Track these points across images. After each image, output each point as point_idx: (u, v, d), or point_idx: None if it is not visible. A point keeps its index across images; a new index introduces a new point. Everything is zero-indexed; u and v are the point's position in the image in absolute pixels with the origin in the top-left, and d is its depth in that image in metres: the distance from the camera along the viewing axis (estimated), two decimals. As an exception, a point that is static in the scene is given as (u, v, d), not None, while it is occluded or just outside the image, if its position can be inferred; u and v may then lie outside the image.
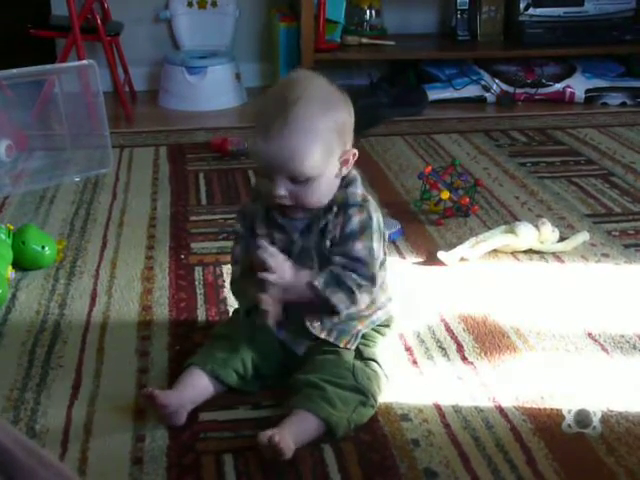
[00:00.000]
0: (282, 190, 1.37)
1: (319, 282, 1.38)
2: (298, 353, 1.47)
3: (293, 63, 3.53)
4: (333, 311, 1.42)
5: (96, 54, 3.46)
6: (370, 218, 1.41)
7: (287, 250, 1.42)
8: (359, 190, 1.44)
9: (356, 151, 1.43)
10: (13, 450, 0.80)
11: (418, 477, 1.25)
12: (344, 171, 1.43)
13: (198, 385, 1.40)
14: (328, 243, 1.41)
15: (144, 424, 1.37)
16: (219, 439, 1.34)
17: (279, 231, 1.44)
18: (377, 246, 1.42)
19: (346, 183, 1.44)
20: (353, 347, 1.44)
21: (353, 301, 1.40)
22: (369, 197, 1.45)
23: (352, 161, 1.43)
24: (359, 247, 1.40)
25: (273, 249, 1.39)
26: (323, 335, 1.44)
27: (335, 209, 1.41)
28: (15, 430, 0.88)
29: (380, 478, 1.25)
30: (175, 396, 1.36)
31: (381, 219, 1.45)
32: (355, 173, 1.46)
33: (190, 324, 1.70)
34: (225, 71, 3.62)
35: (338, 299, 1.39)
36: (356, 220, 1.41)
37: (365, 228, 1.41)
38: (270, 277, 1.38)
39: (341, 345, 1.43)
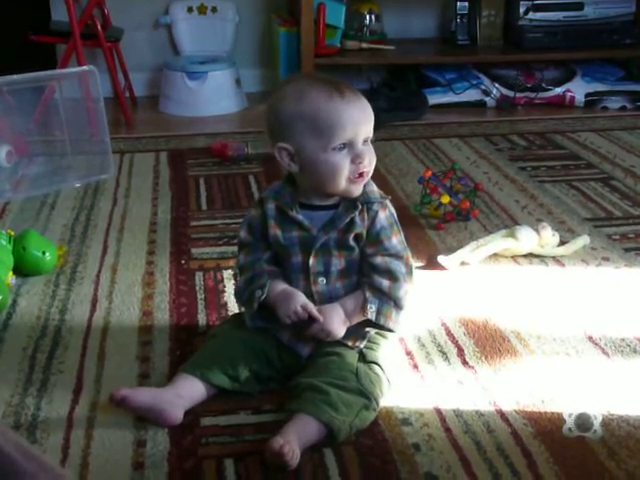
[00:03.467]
0: (365, 152, 1.41)
1: (371, 312, 1.42)
2: (302, 354, 1.47)
3: (293, 68, 3.53)
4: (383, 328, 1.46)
5: (96, 60, 3.47)
6: (392, 214, 1.48)
7: (307, 245, 1.44)
8: (375, 188, 1.49)
9: None
10: (14, 455, 0.81)
11: (419, 481, 1.25)
12: None
13: (188, 386, 1.41)
14: (351, 237, 1.44)
15: (145, 429, 1.37)
16: (220, 444, 1.34)
17: (297, 228, 1.46)
18: (402, 235, 1.48)
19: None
20: (362, 346, 1.45)
21: (401, 312, 1.45)
22: (384, 195, 1.50)
23: None
24: (395, 242, 1.46)
25: (313, 307, 1.42)
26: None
27: (359, 206, 1.44)
28: (16, 435, 0.88)
29: (381, 482, 1.25)
30: (149, 391, 1.39)
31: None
32: None
33: (191, 329, 1.70)
34: (225, 76, 3.62)
35: (393, 322, 1.44)
36: (382, 217, 1.45)
37: (392, 223, 1.47)
38: (323, 335, 1.43)
39: (349, 344, 1.45)
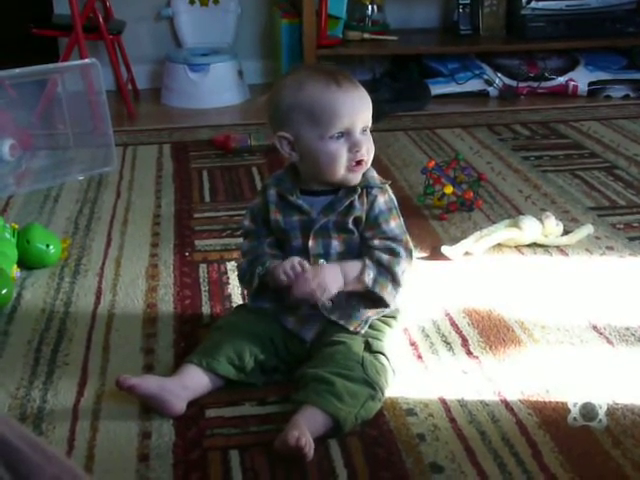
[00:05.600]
0: (363, 141, 1.43)
1: (369, 278, 1.43)
2: (306, 339, 1.48)
3: (295, 59, 3.53)
4: (377, 303, 1.46)
5: (99, 53, 3.46)
6: (392, 199, 1.49)
7: (307, 228, 1.47)
8: (375, 174, 1.51)
9: None
10: (20, 446, 0.81)
11: (424, 472, 1.25)
12: None
13: (192, 377, 1.41)
14: (351, 221, 1.46)
15: (150, 421, 1.37)
16: (225, 435, 1.34)
17: (297, 213, 1.48)
18: (401, 220, 1.50)
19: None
20: (363, 331, 1.46)
21: (397, 288, 1.47)
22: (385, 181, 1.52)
23: None
24: (393, 226, 1.47)
25: (307, 266, 1.43)
26: (334, 317, 1.46)
27: (359, 190, 1.46)
28: (21, 426, 0.88)
29: (386, 473, 1.25)
30: (155, 380, 1.39)
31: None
32: None
33: (195, 321, 1.70)
34: (227, 68, 3.62)
35: (388, 294, 1.45)
36: (381, 201, 1.47)
37: (391, 208, 1.48)
38: (317, 290, 1.41)
39: (351, 328, 1.45)
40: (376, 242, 1.46)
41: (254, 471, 1.26)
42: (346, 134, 1.42)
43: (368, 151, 1.44)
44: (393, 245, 1.46)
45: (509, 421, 1.36)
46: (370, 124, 1.45)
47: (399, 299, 1.51)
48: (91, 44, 3.44)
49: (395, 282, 1.46)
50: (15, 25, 3.68)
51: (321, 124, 1.40)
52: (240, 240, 2.05)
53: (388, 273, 1.45)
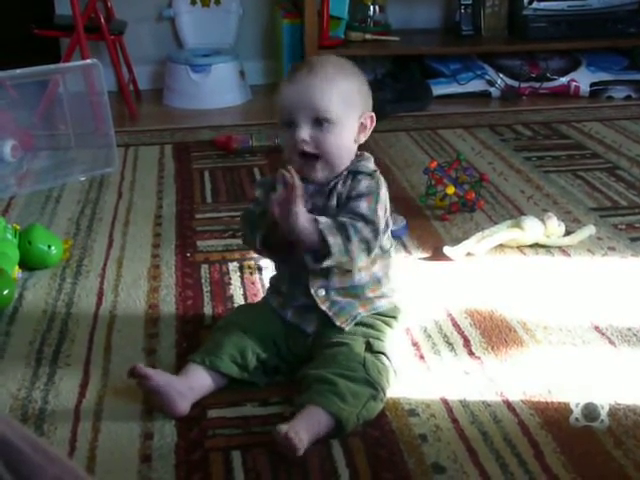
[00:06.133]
0: (305, 132, 1.42)
1: (322, 220, 1.39)
2: (307, 331, 1.48)
3: (297, 60, 3.52)
4: (325, 255, 1.40)
5: (100, 53, 3.46)
6: (378, 187, 1.47)
7: None
8: (371, 165, 1.50)
9: (374, 114, 1.50)
10: (21, 446, 0.81)
11: (426, 472, 1.25)
12: (361, 138, 1.49)
13: (197, 377, 1.41)
14: (334, 203, 1.45)
15: (152, 422, 1.37)
16: (227, 436, 1.34)
17: None
18: (380, 213, 1.45)
19: (359, 160, 1.50)
20: (347, 328, 1.46)
21: (348, 250, 1.40)
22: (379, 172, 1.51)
23: (370, 127, 1.50)
24: (364, 205, 1.44)
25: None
26: (324, 307, 1.46)
27: (345, 173, 1.47)
28: (23, 427, 0.88)
29: (388, 473, 1.25)
30: (166, 376, 1.39)
31: (387, 195, 1.49)
32: (370, 155, 1.52)
33: (197, 322, 1.70)
34: (229, 69, 3.62)
35: (334, 241, 1.39)
36: (364, 184, 1.46)
37: (371, 192, 1.45)
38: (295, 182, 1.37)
39: (338, 323, 1.46)
40: (340, 216, 1.42)
41: (256, 471, 1.26)
42: (293, 125, 1.44)
43: (318, 145, 1.43)
44: (355, 221, 1.41)
45: (511, 421, 1.36)
46: (331, 116, 1.42)
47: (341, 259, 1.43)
48: (93, 45, 3.43)
49: (345, 237, 1.39)
50: (17, 25, 3.68)
51: (276, 114, 1.47)
52: (241, 240, 2.07)
53: (342, 227, 1.40)
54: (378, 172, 1.50)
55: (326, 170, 1.46)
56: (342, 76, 1.45)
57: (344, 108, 1.44)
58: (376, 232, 1.43)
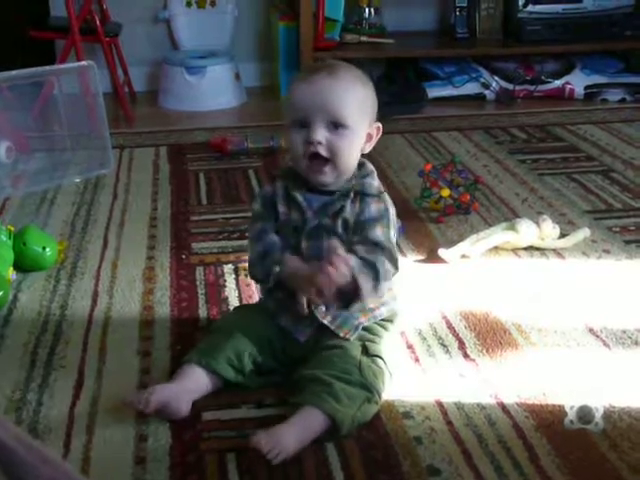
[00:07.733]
0: (320, 134, 1.41)
1: (352, 263, 1.37)
2: (300, 340, 1.48)
3: (292, 62, 3.53)
4: (353, 298, 1.41)
5: (95, 55, 3.46)
6: (387, 209, 1.46)
7: (300, 228, 1.46)
8: (375, 182, 1.49)
9: (380, 125, 1.49)
10: (15, 447, 0.81)
11: (421, 474, 1.25)
12: (367, 148, 1.49)
13: (194, 378, 1.41)
14: (340, 224, 1.45)
15: (146, 424, 1.37)
16: (222, 438, 1.34)
17: (296, 210, 1.47)
18: (393, 234, 1.46)
19: (363, 174, 1.49)
20: (352, 338, 1.45)
21: (376, 290, 1.41)
22: (384, 190, 1.50)
23: (375, 138, 1.49)
24: (379, 232, 1.44)
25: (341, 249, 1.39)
26: (326, 321, 1.45)
27: (352, 195, 1.45)
28: (17, 428, 0.88)
29: (383, 476, 1.25)
30: (168, 389, 1.37)
31: (395, 214, 1.48)
32: (372, 167, 1.51)
33: (192, 324, 1.70)
34: (224, 71, 3.62)
35: (366, 286, 1.39)
36: (374, 208, 1.45)
37: (383, 216, 1.45)
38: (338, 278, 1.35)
39: (341, 334, 1.45)
40: (359, 247, 1.42)
41: (251, 474, 1.25)
42: (306, 126, 1.42)
43: (331, 149, 1.41)
44: (375, 250, 1.42)
45: (506, 424, 1.36)
46: (348, 122, 1.41)
47: (376, 301, 1.47)
48: (88, 46, 3.43)
49: (376, 280, 1.40)
50: (12, 27, 3.68)
51: (286, 113, 1.44)
52: (237, 242, 2.07)
53: (371, 268, 1.40)
54: (383, 191, 1.49)
55: (333, 175, 1.44)
56: (360, 84, 1.45)
57: (359, 115, 1.43)
58: (395, 260, 1.44)
